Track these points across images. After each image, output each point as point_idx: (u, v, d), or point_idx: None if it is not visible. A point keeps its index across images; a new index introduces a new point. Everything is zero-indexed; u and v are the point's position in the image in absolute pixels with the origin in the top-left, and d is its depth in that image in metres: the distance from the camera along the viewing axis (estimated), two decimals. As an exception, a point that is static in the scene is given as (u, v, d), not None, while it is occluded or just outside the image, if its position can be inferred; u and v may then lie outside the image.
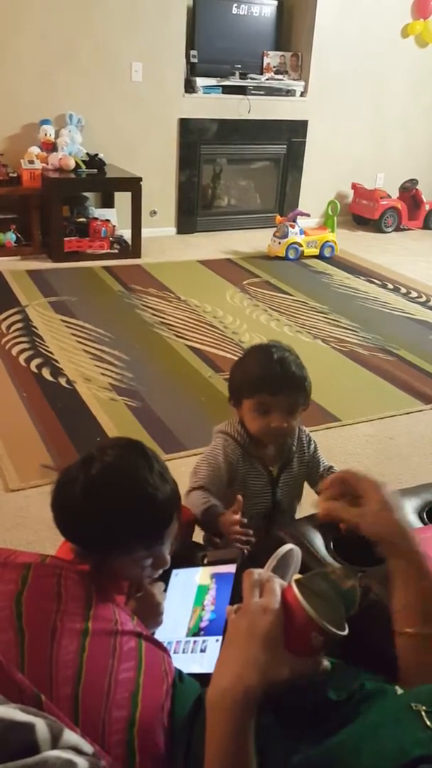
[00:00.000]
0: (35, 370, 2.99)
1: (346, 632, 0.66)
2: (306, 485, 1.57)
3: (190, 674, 0.95)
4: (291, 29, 5.47)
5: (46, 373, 2.97)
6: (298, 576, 0.70)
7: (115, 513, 0.89)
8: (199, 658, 1.05)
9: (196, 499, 1.38)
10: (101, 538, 0.89)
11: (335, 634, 0.65)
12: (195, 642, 1.08)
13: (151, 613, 1.02)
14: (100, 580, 0.87)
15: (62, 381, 2.91)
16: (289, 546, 0.73)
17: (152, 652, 0.86)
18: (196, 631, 1.10)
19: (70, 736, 0.57)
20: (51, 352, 3.17)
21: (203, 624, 1.11)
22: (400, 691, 0.73)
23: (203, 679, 0.93)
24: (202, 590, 1.16)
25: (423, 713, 0.62)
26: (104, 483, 0.89)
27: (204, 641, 1.08)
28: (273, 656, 0.64)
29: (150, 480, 0.90)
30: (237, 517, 1.28)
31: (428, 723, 0.61)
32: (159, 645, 0.90)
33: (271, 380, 1.37)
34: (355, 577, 0.69)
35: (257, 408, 1.39)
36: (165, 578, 1.11)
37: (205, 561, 1.13)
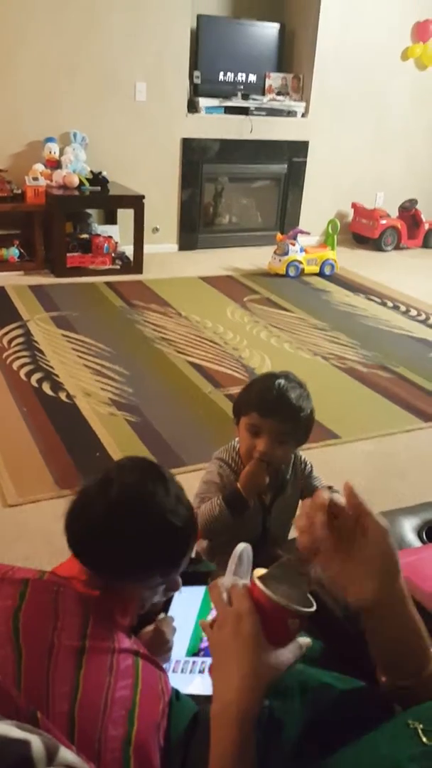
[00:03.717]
0: (35, 385, 2.99)
1: (314, 606, 0.68)
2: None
3: (187, 695, 0.94)
4: (293, 51, 5.55)
5: (46, 387, 2.98)
6: (257, 571, 0.71)
7: (136, 544, 0.87)
8: (197, 679, 1.04)
9: (205, 506, 1.41)
10: (119, 565, 0.88)
11: (307, 612, 0.67)
12: (194, 662, 1.08)
13: (159, 650, 1.01)
14: (103, 600, 0.87)
15: (62, 395, 2.91)
16: (240, 546, 0.73)
17: (149, 671, 0.86)
18: (195, 651, 1.10)
19: (66, 753, 0.57)
20: (52, 367, 3.18)
21: (203, 644, 1.11)
22: (398, 708, 0.74)
23: (201, 699, 0.92)
24: (204, 611, 1.15)
25: (420, 731, 0.63)
26: (125, 510, 0.88)
27: (203, 662, 1.07)
28: (264, 657, 0.65)
29: (169, 507, 0.89)
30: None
31: (424, 740, 0.62)
32: (156, 664, 0.90)
33: (263, 402, 1.38)
34: (304, 555, 0.71)
35: (249, 428, 1.40)
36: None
37: (210, 580, 1.13)
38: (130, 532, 0.87)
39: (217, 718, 0.66)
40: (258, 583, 0.68)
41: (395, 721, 0.70)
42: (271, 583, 0.68)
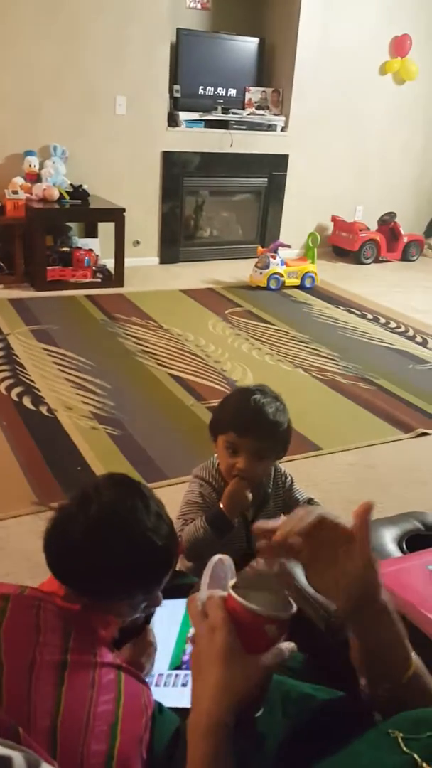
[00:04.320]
0: (16, 399, 2.98)
1: (294, 609, 0.67)
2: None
3: (170, 708, 0.94)
4: (272, 66, 5.63)
5: (27, 401, 2.96)
6: (233, 581, 0.71)
7: (117, 563, 0.86)
8: (179, 692, 1.04)
9: (189, 529, 1.39)
10: (100, 585, 0.87)
11: (285, 617, 0.66)
12: (177, 675, 1.08)
13: (138, 668, 1.00)
14: (84, 614, 0.86)
15: (43, 409, 2.90)
16: (215, 558, 0.73)
17: (132, 685, 0.85)
18: (178, 665, 1.10)
19: (48, 770, 0.57)
20: (32, 381, 3.16)
21: (185, 657, 1.11)
22: (378, 718, 0.74)
23: (183, 712, 0.92)
24: (186, 624, 1.15)
25: (400, 739, 0.63)
26: (105, 529, 0.86)
27: (186, 675, 1.07)
28: (239, 669, 0.65)
29: (150, 524, 0.88)
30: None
31: (405, 749, 0.62)
32: (138, 677, 0.89)
33: (240, 421, 1.37)
34: (278, 560, 0.71)
35: (227, 446, 1.39)
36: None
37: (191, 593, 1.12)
38: (110, 552, 0.86)
39: (191, 730, 0.66)
40: (231, 591, 0.67)
41: (376, 730, 0.71)
42: (246, 591, 0.67)
